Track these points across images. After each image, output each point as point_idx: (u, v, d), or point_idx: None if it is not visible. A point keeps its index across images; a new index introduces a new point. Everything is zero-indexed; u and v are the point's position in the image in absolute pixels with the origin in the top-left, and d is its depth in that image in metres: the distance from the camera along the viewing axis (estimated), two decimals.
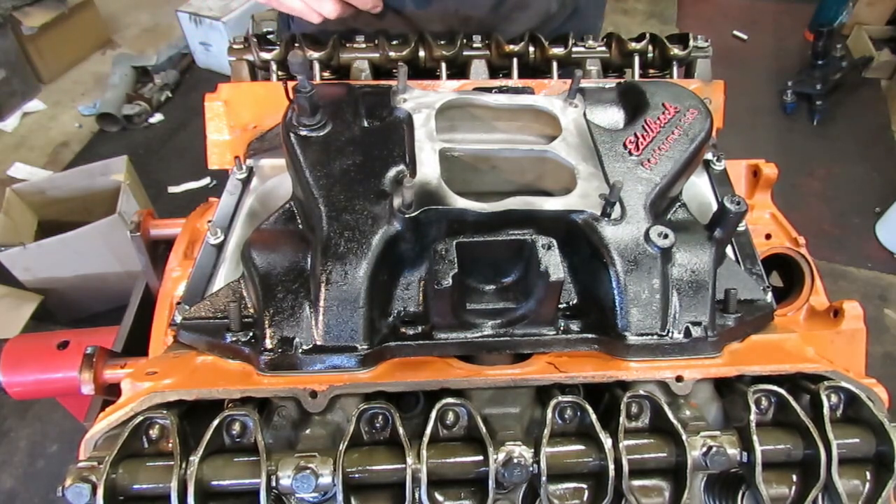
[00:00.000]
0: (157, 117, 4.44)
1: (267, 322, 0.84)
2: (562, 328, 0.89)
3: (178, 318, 0.94)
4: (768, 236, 1.30)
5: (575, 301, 0.93)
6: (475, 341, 0.87)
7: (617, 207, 0.88)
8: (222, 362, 0.87)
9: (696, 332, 0.85)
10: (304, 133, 0.97)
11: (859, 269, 3.55)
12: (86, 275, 2.94)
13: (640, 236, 0.86)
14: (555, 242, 0.87)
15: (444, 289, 0.80)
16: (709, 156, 1.22)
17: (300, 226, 0.97)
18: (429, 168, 0.91)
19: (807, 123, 4.53)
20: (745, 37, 5.39)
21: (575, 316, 0.91)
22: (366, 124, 1.01)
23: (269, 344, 0.82)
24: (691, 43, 1.39)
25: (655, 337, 0.84)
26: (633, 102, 1.09)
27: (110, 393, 1.12)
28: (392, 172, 0.93)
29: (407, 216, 0.84)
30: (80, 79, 4.79)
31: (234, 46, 1.38)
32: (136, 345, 1.32)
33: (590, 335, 0.88)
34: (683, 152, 0.98)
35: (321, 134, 0.97)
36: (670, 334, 0.85)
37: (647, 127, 1.01)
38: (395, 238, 0.86)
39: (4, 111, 4.34)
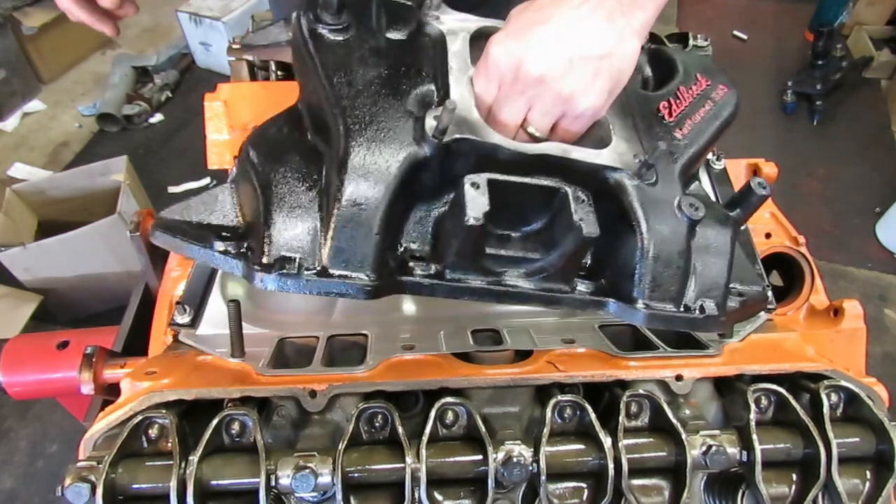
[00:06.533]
0: (157, 117, 4.43)
1: (266, 235, 0.75)
2: (575, 288, 0.84)
3: (179, 319, 0.93)
4: (768, 235, 1.30)
5: (589, 262, 0.88)
6: (488, 288, 0.82)
7: (652, 171, 0.83)
8: (222, 362, 0.87)
9: (710, 309, 0.81)
10: (322, 32, 0.87)
11: (859, 269, 3.54)
12: (86, 275, 2.94)
13: (673, 204, 0.81)
14: (590, 196, 0.81)
15: (472, 226, 0.73)
16: (709, 155, 1.22)
17: (308, 136, 0.87)
18: (460, 96, 0.82)
19: (807, 123, 4.51)
20: (745, 37, 5.38)
21: (588, 277, 0.86)
22: (393, 36, 0.92)
23: (266, 259, 0.74)
24: (691, 42, 1.39)
25: (670, 308, 0.80)
26: (662, 68, 1.04)
27: (110, 393, 1.12)
28: (419, 91, 0.84)
29: (440, 142, 0.76)
30: (80, 79, 4.78)
31: (234, 46, 1.39)
32: (136, 345, 1.32)
33: (602, 298, 0.84)
34: (712, 126, 0.94)
35: (342, 38, 0.87)
36: (685, 308, 0.81)
37: (680, 95, 0.96)
38: (421, 164, 0.78)
39: (4, 111, 4.34)
